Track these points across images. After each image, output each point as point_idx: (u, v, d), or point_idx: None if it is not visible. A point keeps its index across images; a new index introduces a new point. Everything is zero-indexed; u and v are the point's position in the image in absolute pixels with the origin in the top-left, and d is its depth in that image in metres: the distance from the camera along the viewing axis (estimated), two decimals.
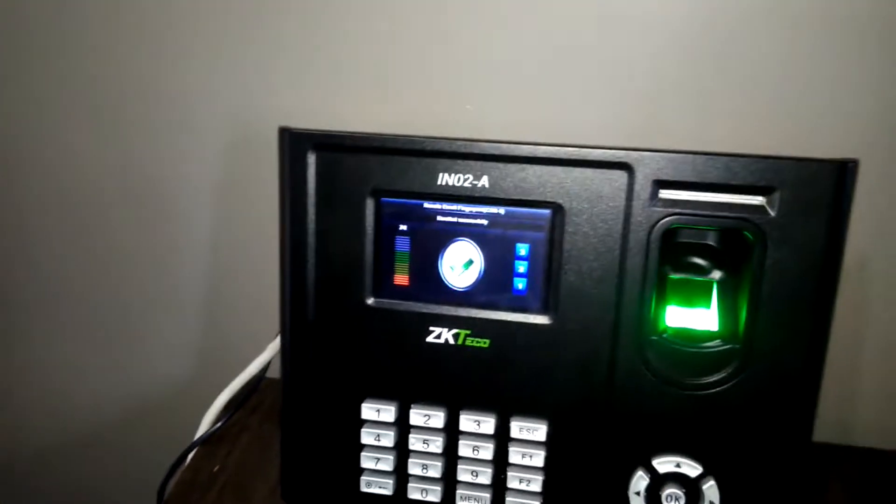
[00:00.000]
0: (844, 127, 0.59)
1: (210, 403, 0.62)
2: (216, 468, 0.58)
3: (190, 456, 0.60)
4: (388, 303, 0.49)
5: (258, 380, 0.63)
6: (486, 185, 0.46)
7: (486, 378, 0.48)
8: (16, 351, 0.81)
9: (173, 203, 0.72)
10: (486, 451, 0.49)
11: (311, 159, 0.47)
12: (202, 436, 0.61)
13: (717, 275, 0.47)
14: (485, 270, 0.47)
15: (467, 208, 0.47)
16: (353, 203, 0.48)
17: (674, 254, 0.47)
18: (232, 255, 0.72)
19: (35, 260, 0.77)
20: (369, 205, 0.48)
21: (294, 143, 0.47)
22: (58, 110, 0.71)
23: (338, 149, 0.47)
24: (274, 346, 0.60)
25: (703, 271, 0.47)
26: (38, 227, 0.75)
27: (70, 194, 0.73)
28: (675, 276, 0.47)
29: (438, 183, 0.46)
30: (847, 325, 0.62)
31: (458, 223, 0.47)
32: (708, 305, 0.47)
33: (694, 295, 0.47)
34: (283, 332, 0.51)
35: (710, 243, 0.47)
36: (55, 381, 0.81)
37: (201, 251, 0.73)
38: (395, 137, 0.47)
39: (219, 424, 0.61)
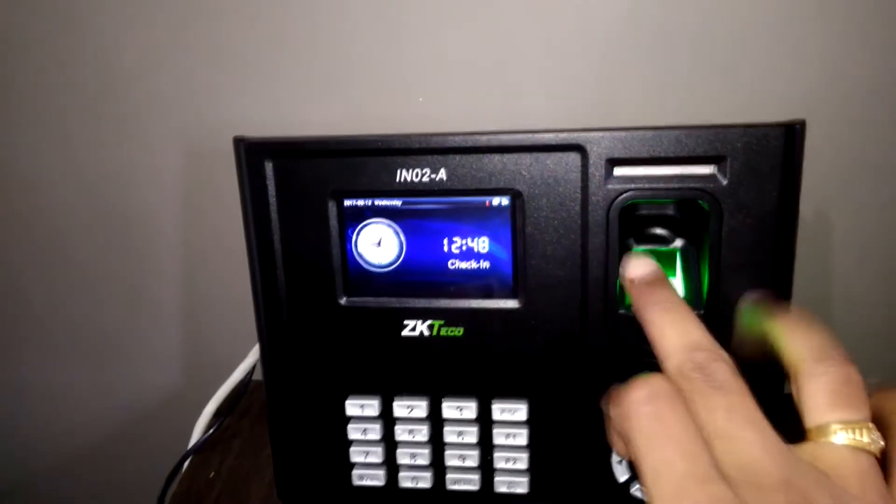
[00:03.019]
0: (792, 90, 0.59)
1: (200, 411, 0.63)
2: (212, 475, 0.59)
3: (185, 465, 0.61)
4: (360, 301, 0.49)
5: (245, 384, 0.64)
6: (445, 178, 0.46)
7: (463, 365, 0.49)
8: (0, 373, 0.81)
9: (145, 217, 0.72)
10: (471, 435, 0.50)
11: (269, 167, 0.48)
12: (195, 444, 0.62)
13: (679, 243, 0.48)
14: (451, 261, 0.48)
15: (428, 202, 0.47)
16: (314, 206, 0.48)
17: (636, 226, 0.48)
18: (210, 263, 0.72)
19: (14, 280, 0.77)
20: (331, 206, 0.48)
21: (250, 152, 0.48)
22: (27, 129, 0.70)
23: (294, 154, 0.47)
24: (256, 349, 0.61)
25: (665, 241, 0.48)
26: (15, 246, 0.75)
27: (44, 214, 0.73)
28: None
29: (397, 179, 0.47)
30: (809, 279, 0.64)
31: (420, 218, 0.48)
32: (673, 274, 0.48)
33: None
34: (261, 339, 0.51)
35: (671, 213, 0.48)
36: (44, 402, 0.81)
37: (179, 262, 0.73)
38: (350, 138, 0.47)
39: (210, 431, 0.62)
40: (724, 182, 0.43)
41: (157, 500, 0.60)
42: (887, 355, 0.67)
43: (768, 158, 0.42)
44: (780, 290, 0.45)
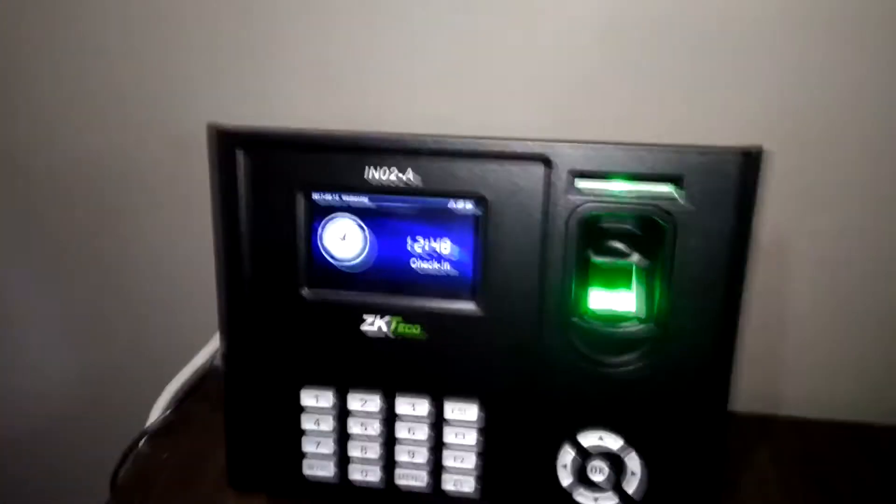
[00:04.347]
0: (757, 114, 0.61)
1: (159, 394, 0.64)
2: (165, 455, 0.59)
3: (141, 444, 0.61)
4: (322, 293, 0.50)
5: (205, 369, 0.64)
6: (412, 179, 0.47)
7: (419, 363, 0.50)
8: None
9: (122, 201, 0.72)
10: (422, 433, 0.51)
11: (241, 156, 0.48)
12: (152, 424, 0.62)
13: (636, 258, 0.49)
14: (414, 261, 0.49)
15: (395, 201, 0.48)
16: (283, 198, 0.49)
17: (597, 238, 0.49)
18: (178, 249, 0.73)
19: None
20: (299, 199, 0.49)
21: (222, 141, 0.48)
22: (10, 114, 0.71)
23: (266, 146, 0.48)
24: (218, 336, 0.62)
25: (623, 255, 0.49)
26: None
27: (23, 193, 0.73)
28: (596, 259, 0.49)
29: (366, 177, 0.48)
30: (769, 303, 0.66)
31: (386, 217, 0.49)
32: (629, 288, 0.49)
33: (615, 278, 0.49)
34: (221, 325, 0.52)
35: (631, 228, 0.49)
36: (4, 377, 0.81)
37: (146, 246, 0.73)
38: (322, 134, 0.48)
39: (167, 413, 0.63)
40: (682, 201, 0.44)
41: (110, 477, 0.60)
42: (837, 381, 0.68)
43: (724, 182, 0.44)
44: (729, 309, 0.46)
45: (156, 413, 0.63)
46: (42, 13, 0.67)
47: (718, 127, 0.61)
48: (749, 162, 0.43)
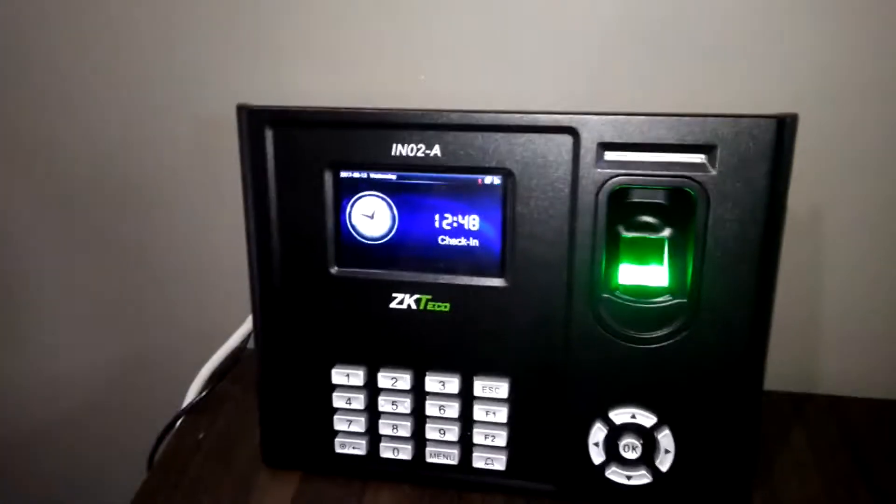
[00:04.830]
0: (787, 84, 0.60)
1: (195, 375, 0.65)
2: (201, 435, 0.60)
3: (178, 424, 0.62)
4: (350, 272, 0.50)
5: (240, 351, 0.65)
6: (439, 154, 0.47)
7: (448, 340, 0.50)
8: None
9: (154, 182, 0.73)
10: (452, 410, 0.51)
11: (269, 135, 0.49)
12: (188, 405, 0.63)
13: (667, 232, 0.48)
14: (442, 237, 0.49)
15: (422, 178, 0.48)
16: (311, 176, 0.49)
17: (626, 213, 0.48)
18: (214, 230, 0.74)
19: (23, 240, 0.79)
20: (327, 177, 0.49)
21: (251, 120, 0.49)
22: (41, 96, 0.72)
23: (294, 124, 0.48)
24: (251, 318, 0.62)
25: (654, 229, 0.48)
26: (26, 206, 0.77)
27: (56, 175, 0.75)
28: (627, 234, 0.48)
29: (393, 154, 0.48)
30: (803, 277, 0.64)
31: (413, 193, 0.49)
32: (661, 262, 0.48)
33: (646, 252, 0.48)
34: (254, 305, 0.52)
35: (661, 202, 0.48)
36: (43, 358, 0.83)
37: (178, 229, 0.74)
38: (349, 111, 0.48)
39: (203, 394, 0.64)
40: (713, 171, 0.44)
41: (148, 457, 0.62)
42: (874, 351, 0.67)
43: (758, 150, 0.43)
44: (764, 282, 0.45)
45: (191, 395, 0.65)
46: (83, 8, 0.68)
47: (749, 94, 0.60)
48: (783, 129, 0.42)
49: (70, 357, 0.83)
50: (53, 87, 0.71)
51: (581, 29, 0.61)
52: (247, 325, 0.64)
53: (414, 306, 0.50)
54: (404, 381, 0.51)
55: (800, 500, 0.52)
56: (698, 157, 0.44)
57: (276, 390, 0.54)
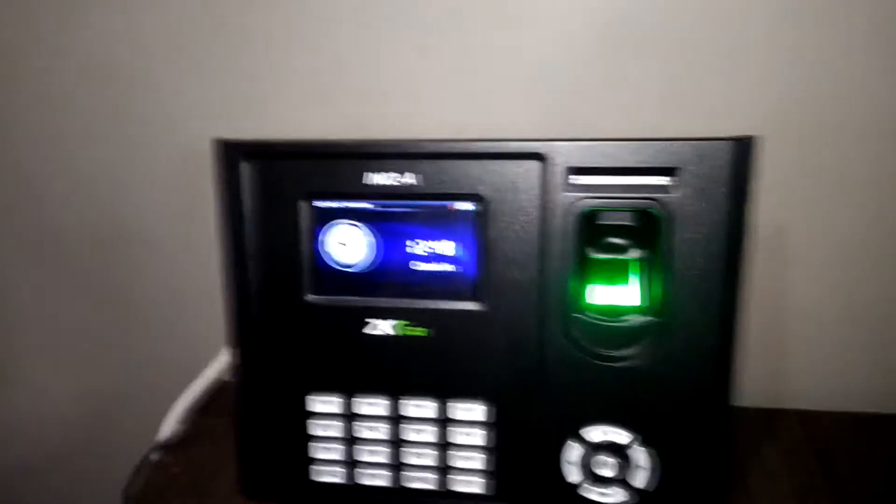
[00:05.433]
0: (751, 105, 0.62)
1: (169, 410, 0.64)
2: (177, 469, 0.60)
3: (153, 458, 0.62)
4: (326, 299, 0.51)
5: (216, 383, 0.65)
6: (413, 182, 0.48)
7: (425, 365, 0.51)
8: None
9: (132, 216, 0.74)
10: (429, 434, 0.51)
11: (245, 167, 0.49)
12: (162, 439, 0.63)
13: (636, 253, 0.50)
14: (417, 263, 0.50)
15: (396, 205, 0.49)
16: (287, 206, 0.50)
17: (595, 235, 0.49)
18: (186, 263, 0.74)
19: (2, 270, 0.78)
20: (302, 207, 0.50)
21: (227, 153, 0.49)
22: (22, 127, 0.72)
23: (269, 156, 0.49)
24: (227, 350, 0.62)
25: (622, 250, 0.50)
26: (5, 238, 0.77)
27: (36, 208, 0.75)
28: (596, 256, 0.50)
29: (366, 182, 0.49)
30: (771, 295, 0.66)
31: (388, 221, 0.50)
32: (626, 282, 0.50)
33: (615, 273, 0.50)
34: (231, 335, 0.53)
35: (629, 223, 0.50)
36: (21, 399, 0.82)
37: (154, 262, 0.74)
38: (323, 142, 0.49)
39: (178, 427, 0.63)
40: (677, 193, 0.45)
41: (122, 493, 0.61)
42: (841, 366, 0.68)
43: (718, 171, 0.45)
44: (729, 298, 0.46)
45: (167, 428, 0.64)
46: (57, 26, 0.69)
47: (713, 120, 0.62)
48: (741, 150, 0.44)
49: (47, 393, 0.82)
50: (33, 124, 0.71)
51: (549, 60, 0.63)
52: (222, 358, 0.64)
53: (390, 332, 0.50)
54: (381, 406, 0.51)
55: None
56: (662, 180, 0.46)
57: (255, 420, 0.54)
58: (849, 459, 0.59)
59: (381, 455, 0.52)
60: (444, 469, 0.52)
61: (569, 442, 0.50)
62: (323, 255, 0.51)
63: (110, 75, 0.69)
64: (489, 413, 0.50)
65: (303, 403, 0.52)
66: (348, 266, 0.51)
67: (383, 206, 0.50)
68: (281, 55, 0.66)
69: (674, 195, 0.45)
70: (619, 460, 0.49)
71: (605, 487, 0.50)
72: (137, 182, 0.72)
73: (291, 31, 0.66)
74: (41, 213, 0.75)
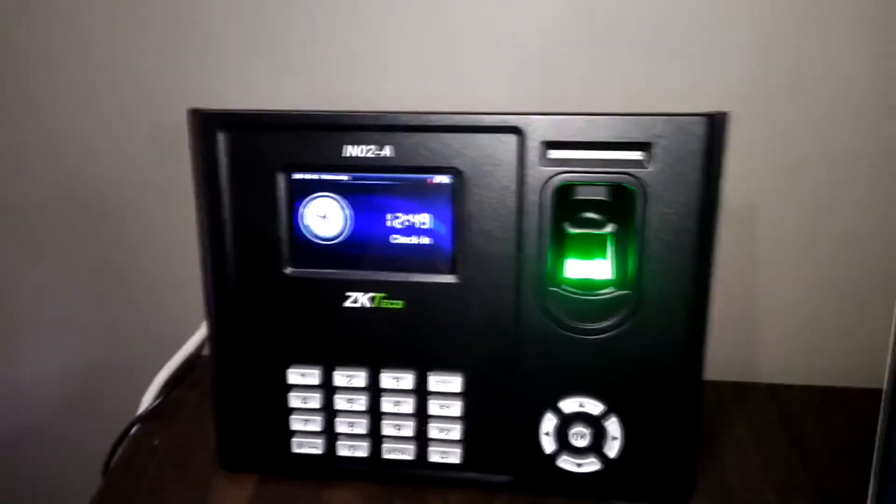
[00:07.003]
0: (724, 81, 0.63)
1: (149, 383, 0.65)
2: (156, 442, 0.60)
3: (133, 431, 0.62)
4: (305, 272, 0.51)
5: (196, 356, 0.65)
6: (390, 155, 0.48)
7: (402, 337, 0.51)
8: None
9: (108, 188, 0.73)
10: (408, 406, 0.52)
11: (221, 138, 0.49)
12: (143, 412, 0.63)
13: (611, 227, 0.50)
14: (394, 236, 0.50)
15: (374, 178, 0.49)
16: (264, 178, 0.50)
17: (571, 210, 0.50)
18: (163, 237, 0.74)
19: None
20: (280, 179, 0.50)
21: (204, 124, 0.49)
22: None
23: (246, 127, 0.49)
24: (205, 324, 0.62)
25: (598, 225, 0.50)
26: None
27: (5, 191, 0.74)
28: (572, 230, 0.50)
29: (344, 155, 0.49)
30: (742, 271, 0.67)
31: (365, 193, 0.50)
32: (604, 256, 0.51)
33: (591, 247, 0.50)
34: (208, 308, 0.53)
35: (604, 198, 0.50)
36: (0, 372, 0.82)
37: (137, 236, 0.74)
38: (301, 113, 0.49)
39: (158, 400, 0.63)
40: (651, 168, 0.46)
41: (103, 466, 0.61)
42: (810, 341, 0.70)
43: (691, 147, 0.45)
44: (701, 272, 0.47)
45: (146, 402, 0.64)
46: (16, 6, 0.68)
47: (687, 96, 0.63)
48: (714, 126, 0.45)
49: (26, 365, 0.81)
50: (13, 95, 0.71)
51: (526, 34, 0.64)
52: (202, 331, 0.64)
53: (368, 304, 0.51)
54: (359, 378, 0.52)
55: (741, 480, 0.55)
56: (636, 154, 0.46)
57: (232, 393, 0.54)
58: (817, 432, 0.61)
59: (360, 426, 0.53)
60: (422, 440, 0.53)
61: (546, 413, 0.51)
62: (301, 227, 0.51)
63: (87, 45, 0.68)
64: (466, 385, 0.51)
65: (282, 376, 0.53)
66: (327, 239, 0.51)
67: (361, 179, 0.50)
68: (256, 27, 0.66)
69: (648, 169, 0.46)
70: (594, 430, 0.50)
71: (581, 457, 0.51)
72: (115, 154, 0.71)
73: (266, 2, 0.65)
74: (19, 186, 0.74)
